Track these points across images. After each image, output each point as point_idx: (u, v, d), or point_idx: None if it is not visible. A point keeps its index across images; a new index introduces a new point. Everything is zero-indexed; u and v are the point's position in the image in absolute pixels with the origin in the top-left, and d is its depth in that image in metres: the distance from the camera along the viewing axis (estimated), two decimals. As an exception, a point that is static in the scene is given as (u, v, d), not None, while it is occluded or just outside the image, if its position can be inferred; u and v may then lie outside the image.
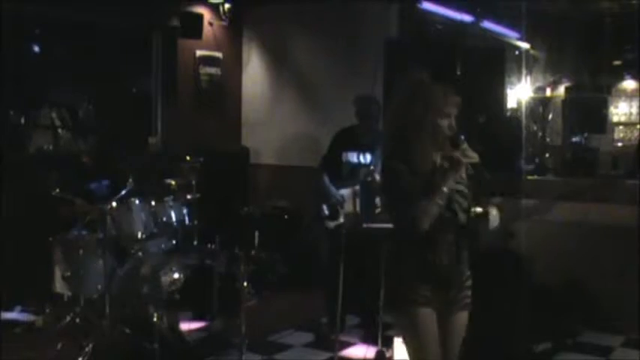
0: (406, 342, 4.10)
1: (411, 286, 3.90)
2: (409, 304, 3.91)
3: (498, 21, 10.37)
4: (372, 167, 6.36)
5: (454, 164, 3.87)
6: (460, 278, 4.01)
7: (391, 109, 4.11)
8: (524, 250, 7.12)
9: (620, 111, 13.03)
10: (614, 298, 7.29)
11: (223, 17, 9.97)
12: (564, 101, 12.73)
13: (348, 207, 6.67)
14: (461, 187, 3.94)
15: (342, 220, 6.64)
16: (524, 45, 11.01)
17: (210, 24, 9.86)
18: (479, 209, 3.99)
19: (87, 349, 6.07)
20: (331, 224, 6.80)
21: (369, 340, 6.76)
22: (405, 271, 3.92)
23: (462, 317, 4.06)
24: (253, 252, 8.02)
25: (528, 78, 11.85)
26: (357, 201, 6.60)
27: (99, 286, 6.50)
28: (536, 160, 10.69)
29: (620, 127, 13.04)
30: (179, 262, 6.51)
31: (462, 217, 3.93)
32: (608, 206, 7.47)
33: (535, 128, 12.60)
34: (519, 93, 11.80)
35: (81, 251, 6.65)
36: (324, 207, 6.86)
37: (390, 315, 4.29)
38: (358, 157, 6.89)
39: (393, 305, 4.07)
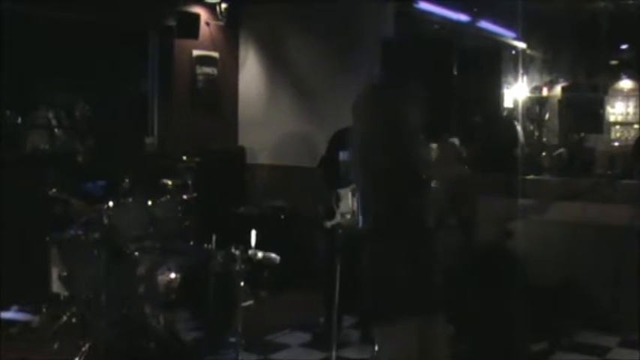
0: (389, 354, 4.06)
1: (404, 295, 3.85)
2: (402, 315, 3.87)
3: (495, 21, 10.38)
4: None
5: (445, 158, 3.86)
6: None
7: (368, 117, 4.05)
8: (521, 250, 7.12)
9: (616, 110, 13.06)
10: (610, 297, 7.30)
11: (220, 17, 9.97)
12: (561, 101, 12.75)
13: (345, 206, 6.66)
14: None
15: (339, 219, 6.63)
16: (521, 44, 11.02)
17: (207, 24, 9.85)
18: None
19: (83, 349, 6.07)
20: (328, 224, 6.80)
21: (365, 340, 6.76)
22: (398, 277, 3.87)
23: (443, 320, 4.04)
24: (250, 252, 8.02)
25: (525, 77, 11.86)
26: (355, 200, 6.60)
27: (95, 286, 6.49)
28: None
29: (617, 126, 13.07)
30: (175, 262, 6.50)
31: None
32: (604, 206, 7.47)
33: (532, 128, 12.62)
34: (516, 93, 11.81)
35: (77, 251, 6.64)
36: (321, 207, 6.86)
37: (378, 327, 4.15)
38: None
39: (382, 317, 4.00)
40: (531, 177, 8.53)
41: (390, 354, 3.98)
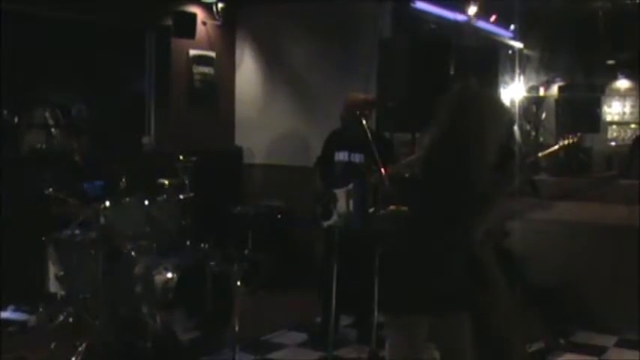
0: (393, 345, 4.09)
1: (415, 291, 3.88)
2: (406, 309, 3.90)
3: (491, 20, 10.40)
4: (380, 169, 6.18)
5: (510, 179, 3.89)
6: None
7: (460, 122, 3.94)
8: (518, 250, 7.12)
9: (613, 110, 13.08)
10: (607, 297, 7.30)
11: (217, 17, 9.96)
12: (558, 100, 12.75)
13: (342, 206, 6.67)
14: None
15: (335, 219, 6.64)
16: (518, 44, 11.03)
17: (204, 23, 9.85)
18: None
19: (80, 349, 6.07)
20: (324, 223, 6.81)
21: (362, 339, 6.76)
22: (415, 275, 3.89)
23: (461, 319, 4.05)
24: (246, 251, 8.03)
25: (522, 77, 11.86)
26: (350, 200, 6.60)
27: (92, 286, 6.49)
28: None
29: (614, 126, 13.08)
30: (172, 261, 6.50)
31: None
32: (602, 206, 7.48)
33: (528, 128, 12.62)
34: (513, 92, 11.81)
35: (74, 251, 6.64)
36: (317, 206, 6.86)
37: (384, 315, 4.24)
38: (349, 156, 6.89)
39: (389, 306, 4.05)
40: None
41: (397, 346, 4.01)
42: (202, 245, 7.01)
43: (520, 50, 11.20)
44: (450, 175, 3.83)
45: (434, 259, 3.86)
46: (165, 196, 6.98)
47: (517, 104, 11.83)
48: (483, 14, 10.00)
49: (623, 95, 13.03)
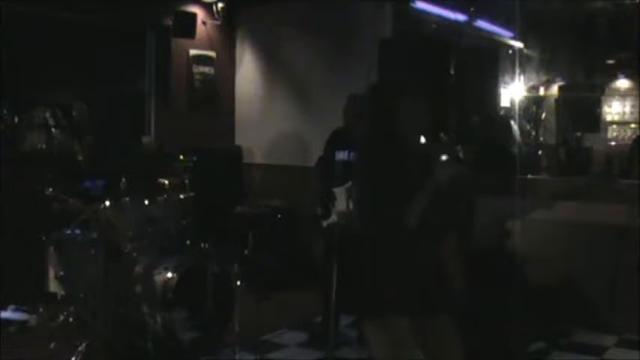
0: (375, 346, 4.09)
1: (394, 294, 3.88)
2: (392, 311, 3.90)
3: (492, 20, 10.39)
4: None
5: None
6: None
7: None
8: (519, 250, 7.13)
9: (613, 110, 13.04)
10: (607, 297, 7.30)
11: (217, 16, 9.97)
12: (558, 100, 12.75)
13: (341, 205, 6.66)
14: None
15: (335, 218, 6.63)
16: (518, 44, 11.02)
17: (204, 23, 9.85)
18: None
19: (80, 349, 6.07)
20: (325, 223, 6.81)
21: (363, 339, 6.75)
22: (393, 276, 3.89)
23: (445, 319, 4.03)
24: (247, 251, 8.02)
25: (522, 77, 11.85)
26: (350, 200, 6.60)
27: (92, 286, 6.49)
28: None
29: (614, 126, 13.05)
30: (172, 261, 6.50)
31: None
32: (602, 205, 7.48)
33: (529, 127, 12.61)
34: (513, 92, 11.80)
35: (74, 250, 6.64)
36: (317, 205, 6.86)
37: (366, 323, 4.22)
38: (348, 156, 6.89)
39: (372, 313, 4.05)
40: (529, 176, 8.52)
41: (381, 350, 4.01)
42: (202, 245, 7.02)
43: (520, 50, 11.18)
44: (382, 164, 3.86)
45: (404, 257, 3.87)
46: (165, 195, 6.98)
47: (517, 104, 11.82)
48: (484, 14, 10.00)
49: (623, 95, 12.99)
